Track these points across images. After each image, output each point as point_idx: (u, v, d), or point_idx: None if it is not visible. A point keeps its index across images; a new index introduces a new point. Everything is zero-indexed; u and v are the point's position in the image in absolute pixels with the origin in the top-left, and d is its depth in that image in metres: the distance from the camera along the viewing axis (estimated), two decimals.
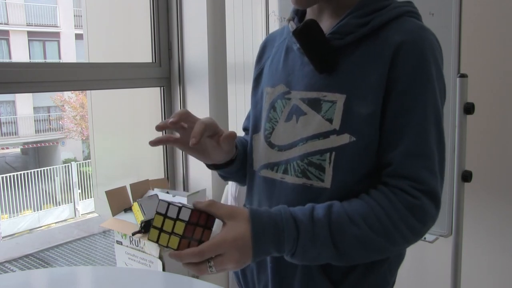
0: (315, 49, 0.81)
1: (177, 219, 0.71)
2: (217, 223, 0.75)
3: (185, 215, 0.71)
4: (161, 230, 0.73)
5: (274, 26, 1.86)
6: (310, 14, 0.89)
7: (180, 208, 0.71)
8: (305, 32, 0.81)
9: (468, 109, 1.35)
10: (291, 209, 0.76)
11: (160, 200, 0.74)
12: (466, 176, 1.38)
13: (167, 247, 0.72)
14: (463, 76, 1.34)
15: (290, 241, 0.72)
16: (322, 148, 0.80)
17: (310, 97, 0.83)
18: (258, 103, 0.95)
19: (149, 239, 0.74)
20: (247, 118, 1.06)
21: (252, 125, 0.95)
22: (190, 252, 0.70)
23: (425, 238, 1.49)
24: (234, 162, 0.94)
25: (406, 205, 0.74)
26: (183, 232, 0.70)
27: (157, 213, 0.73)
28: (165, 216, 0.72)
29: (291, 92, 0.86)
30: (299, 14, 0.91)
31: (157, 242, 0.73)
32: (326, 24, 0.84)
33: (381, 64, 0.77)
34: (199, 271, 0.71)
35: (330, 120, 0.79)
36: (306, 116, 0.83)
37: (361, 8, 0.80)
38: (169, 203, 0.73)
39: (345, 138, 0.78)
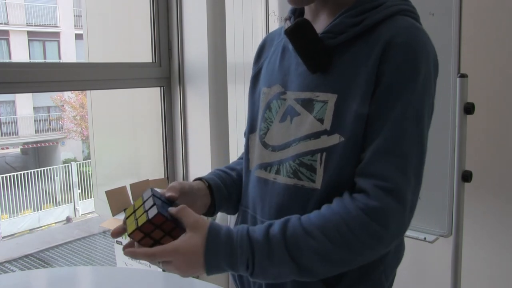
0: (307, 49, 0.79)
1: (145, 211, 0.74)
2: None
3: (151, 213, 0.73)
4: (134, 211, 0.77)
5: (274, 26, 1.86)
6: (307, 13, 0.88)
7: (152, 206, 0.74)
8: (296, 31, 0.80)
9: (468, 109, 1.35)
10: (250, 228, 0.75)
11: (151, 188, 0.77)
12: (466, 176, 1.38)
13: (124, 224, 0.77)
14: (463, 76, 1.34)
15: (243, 260, 0.72)
16: (313, 149, 0.79)
17: (303, 97, 0.82)
18: (256, 103, 0.94)
19: (124, 212, 0.80)
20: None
21: (249, 124, 0.95)
22: (143, 252, 0.74)
23: (425, 238, 1.49)
24: (216, 209, 0.94)
25: (365, 211, 0.71)
26: (141, 226, 0.73)
27: (141, 196, 0.78)
28: (143, 202, 0.76)
29: (287, 93, 0.85)
30: (296, 14, 0.90)
31: (126, 218, 0.78)
32: (323, 24, 0.83)
33: (371, 62, 0.75)
34: (150, 263, 0.76)
35: (321, 120, 0.78)
36: (300, 116, 0.82)
37: (355, 7, 0.79)
38: (153, 195, 0.76)
39: (335, 139, 0.77)
